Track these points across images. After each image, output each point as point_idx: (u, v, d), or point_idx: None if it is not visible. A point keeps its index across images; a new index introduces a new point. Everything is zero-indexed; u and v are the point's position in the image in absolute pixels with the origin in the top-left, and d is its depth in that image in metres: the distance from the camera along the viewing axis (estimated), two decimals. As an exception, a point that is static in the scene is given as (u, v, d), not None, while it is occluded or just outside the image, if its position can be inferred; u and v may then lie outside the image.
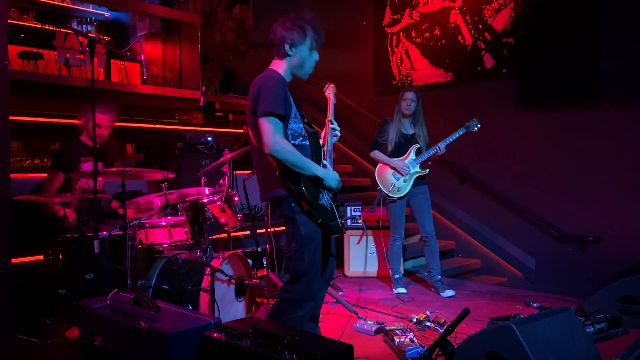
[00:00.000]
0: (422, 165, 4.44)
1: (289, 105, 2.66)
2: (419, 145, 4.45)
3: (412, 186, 4.42)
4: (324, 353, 1.74)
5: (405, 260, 5.20)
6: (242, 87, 7.80)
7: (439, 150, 4.32)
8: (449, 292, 4.36)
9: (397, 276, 4.59)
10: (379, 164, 4.55)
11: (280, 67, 2.75)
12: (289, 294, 2.69)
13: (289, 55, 2.72)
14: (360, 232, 5.15)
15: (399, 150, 4.48)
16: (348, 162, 6.88)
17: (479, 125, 4.39)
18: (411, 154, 4.45)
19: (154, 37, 8.35)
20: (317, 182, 2.67)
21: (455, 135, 4.36)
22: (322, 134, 2.94)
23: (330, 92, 3.05)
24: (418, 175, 4.44)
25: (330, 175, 2.69)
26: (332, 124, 2.93)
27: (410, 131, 4.50)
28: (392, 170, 4.45)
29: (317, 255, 2.70)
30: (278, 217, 2.81)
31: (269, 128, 2.52)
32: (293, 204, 2.65)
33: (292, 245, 2.67)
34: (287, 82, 2.74)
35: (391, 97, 6.42)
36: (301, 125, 2.76)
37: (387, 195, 4.46)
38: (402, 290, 4.51)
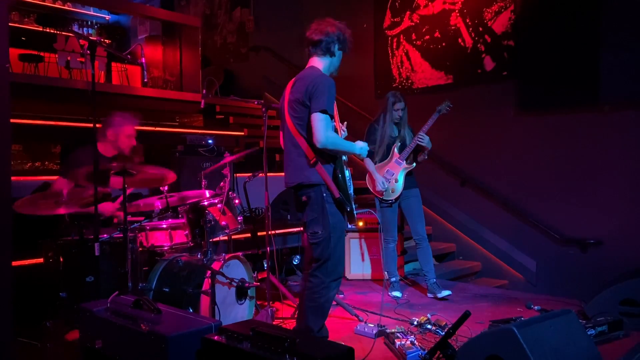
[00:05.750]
0: (408, 160, 4.40)
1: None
2: (399, 144, 4.43)
3: (404, 189, 4.37)
4: (325, 356, 1.75)
5: (405, 262, 5.19)
6: (242, 90, 7.81)
7: (419, 140, 4.29)
8: (445, 292, 4.33)
9: (393, 279, 4.52)
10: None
11: (322, 65, 3.01)
12: (318, 278, 2.90)
13: (334, 55, 3.02)
14: (362, 234, 5.14)
15: (388, 152, 4.47)
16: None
17: (450, 106, 4.35)
18: (395, 153, 4.44)
19: (155, 40, 8.38)
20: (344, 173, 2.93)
21: (431, 121, 4.32)
22: None
23: None
24: (407, 172, 4.39)
25: (361, 147, 3.03)
26: None
27: (396, 133, 4.46)
28: (381, 175, 4.40)
29: (342, 240, 2.95)
30: (300, 204, 2.98)
31: (323, 124, 2.78)
32: (324, 193, 2.86)
33: (318, 233, 2.88)
34: None
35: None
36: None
37: (381, 199, 4.42)
38: (398, 294, 4.43)
